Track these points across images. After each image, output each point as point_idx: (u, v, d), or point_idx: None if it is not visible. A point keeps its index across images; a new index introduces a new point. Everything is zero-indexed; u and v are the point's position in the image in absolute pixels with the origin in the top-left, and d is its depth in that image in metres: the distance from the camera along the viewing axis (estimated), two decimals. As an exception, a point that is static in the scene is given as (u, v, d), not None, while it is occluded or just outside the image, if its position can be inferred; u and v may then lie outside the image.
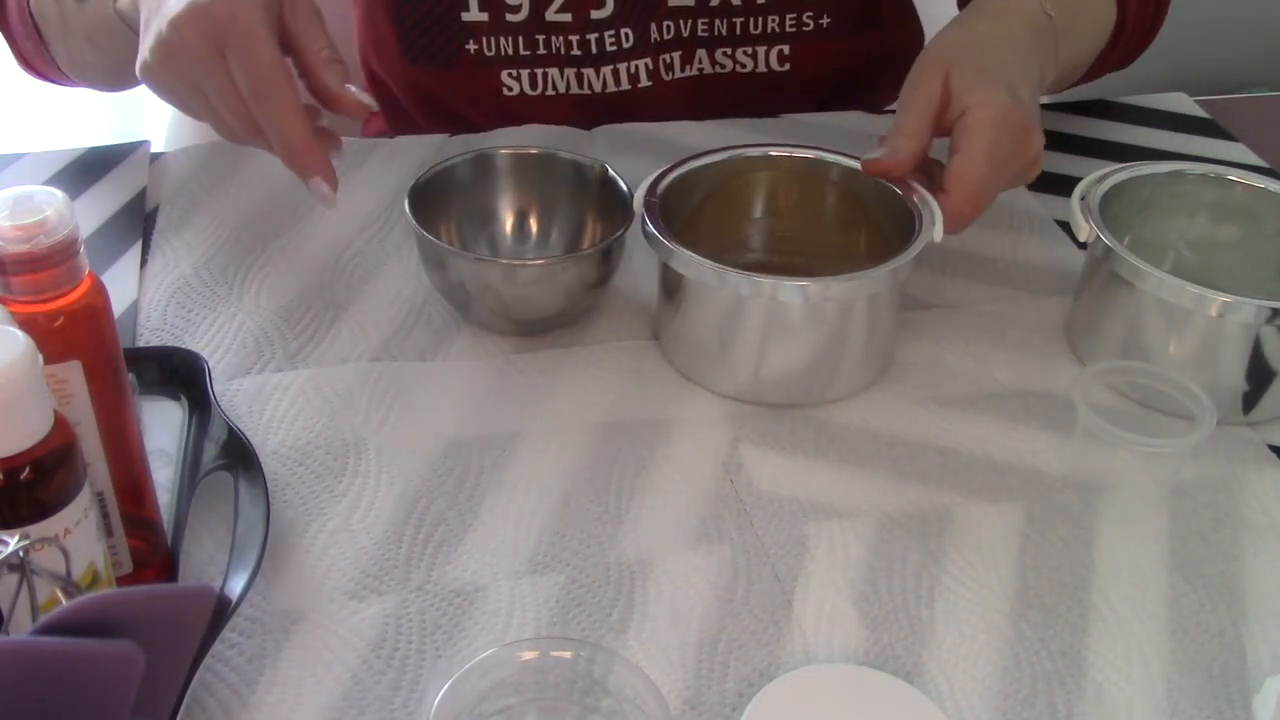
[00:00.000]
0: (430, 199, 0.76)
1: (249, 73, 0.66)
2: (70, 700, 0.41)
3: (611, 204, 0.77)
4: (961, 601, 0.62)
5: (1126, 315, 0.74)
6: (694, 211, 0.77)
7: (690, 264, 0.69)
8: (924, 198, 0.73)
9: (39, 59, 0.88)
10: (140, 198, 0.87)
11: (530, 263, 0.75)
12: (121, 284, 0.79)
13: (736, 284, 0.68)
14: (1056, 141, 1.01)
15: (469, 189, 0.80)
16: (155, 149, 0.92)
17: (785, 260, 0.81)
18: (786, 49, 1.00)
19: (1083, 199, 0.76)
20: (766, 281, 0.68)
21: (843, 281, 0.69)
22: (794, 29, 0.99)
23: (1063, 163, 0.98)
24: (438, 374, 0.73)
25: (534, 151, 0.81)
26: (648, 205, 0.73)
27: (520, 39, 0.95)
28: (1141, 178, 0.80)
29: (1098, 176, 0.78)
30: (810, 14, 0.98)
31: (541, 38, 0.95)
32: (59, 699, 0.41)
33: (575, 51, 0.95)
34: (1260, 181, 0.80)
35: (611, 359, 0.75)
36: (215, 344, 0.75)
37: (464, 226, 0.80)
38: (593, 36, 0.95)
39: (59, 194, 0.50)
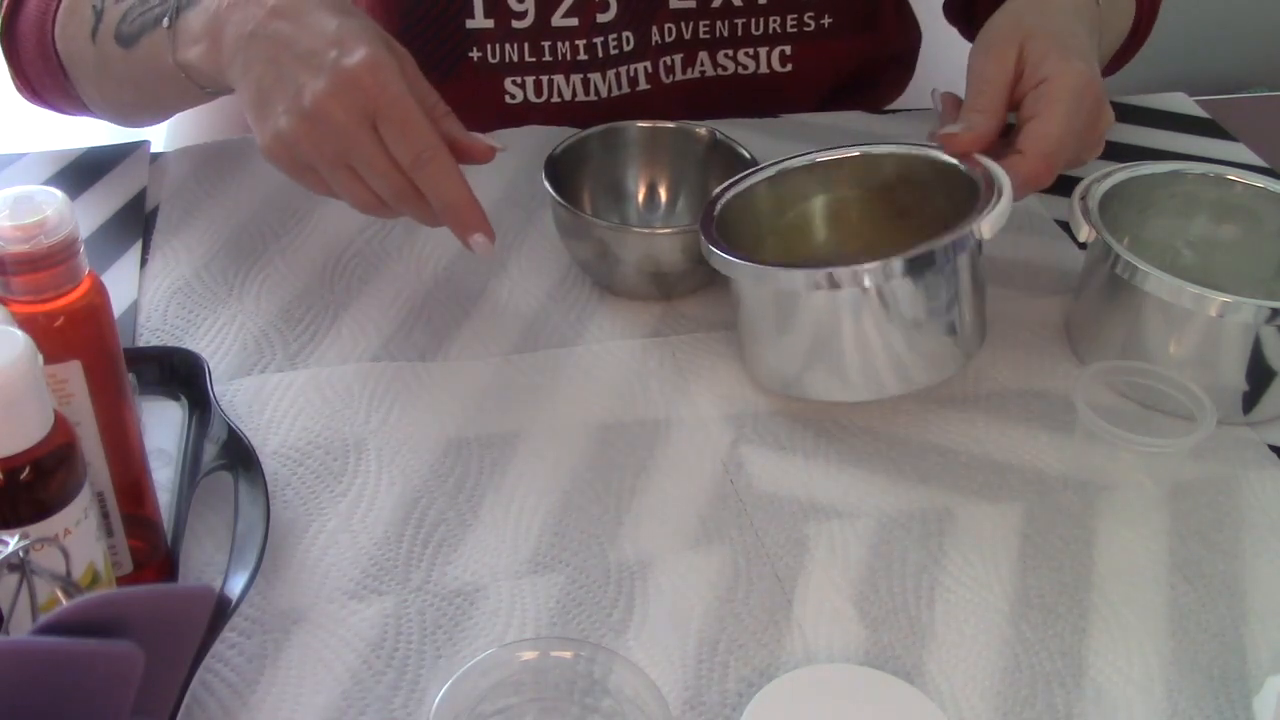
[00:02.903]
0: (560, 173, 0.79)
1: (408, 141, 0.65)
2: (70, 700, 0.41)
3: (735, 169, 0.80)
4: (961, 601, 0.62)
5: (1126, 315, 0.74)
6: (758, 232, 0.77)
7: (745, 267, 0.69)
8: (993, 172, 0.71)
9: (53, 91, 0.87)
10: (140, 198, 0.87)
11: (673, 230, 0.78)
12: (121, 284, 0.79)
13: (791, 281, 0.67)
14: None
15: (600, 161, 0.84)
16: (155, 149, 0.92)
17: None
18: (788, 49, 1.00)
19: (1083, 199, 0.76)
20: (820, 273, 0.66)
21: (900, 257, 0.65)
22: (795, 29, 0.99)
23: (1063, 163, 0.98)
24: (438, 374, 0.73)
25: (669, 126, 0.85)
26: (705, 221, 0.73)
27: (525, 45, 0.95)
28: (1141, 178, 0.80)
29: (1098, 176, 0.78)
30: (811, 14, 0.99)
31: (546, 44, 0.95)
32: (59, 699, 0.41)
33: (581, 56, 0.95)
34: (1260, 181, 0.80)
35: (611, 359, 0.75)
36: (215, 344, 0.75)
37: (596, 198, 0.84)
38: (598, 40, 0.95)
39: (59, 194, 0.50)
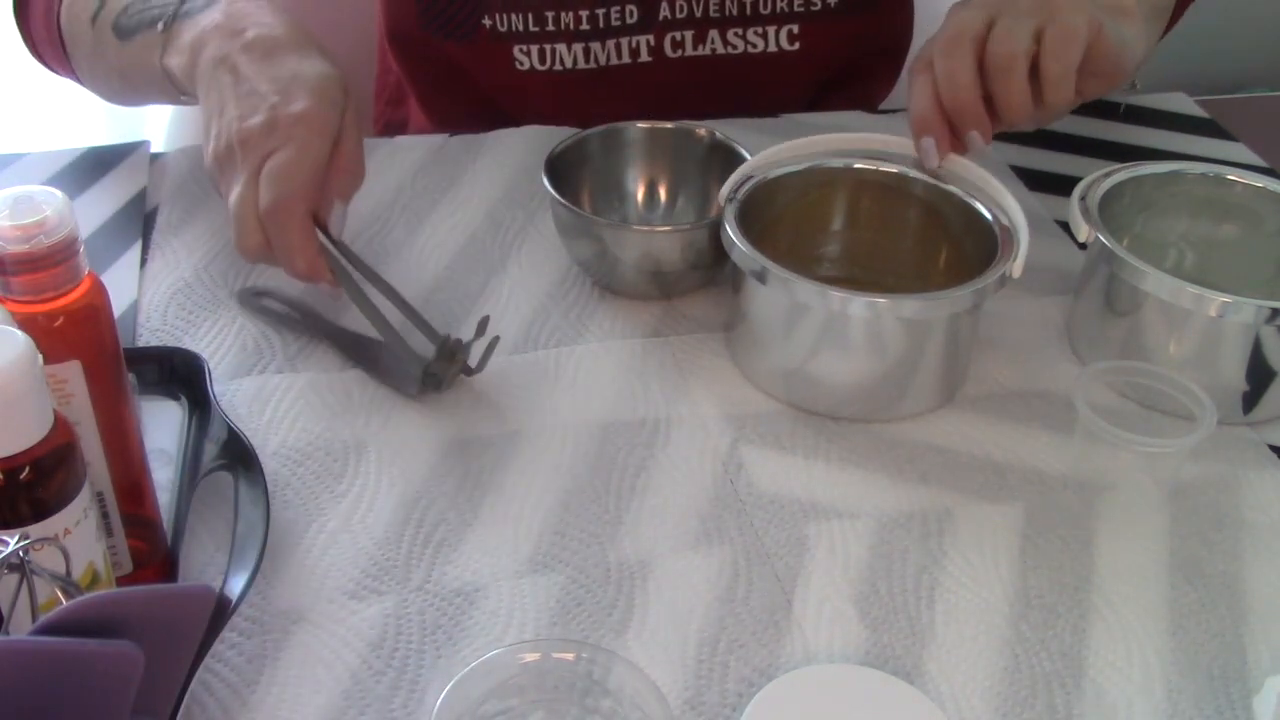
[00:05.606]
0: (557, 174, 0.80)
1: (272, 189, 0.68)
2: (70, 700, 0.41)
3: (734, 169, 0.80)
4: (961, 601, 0.62)
5: (1126, 315, 0.74)
6: (774, 218, 0.77)
7: (769, 271, 0.69)
8: (1014, 224, 0.73)
9: (58, 63, 0.90)
10: (140, 198, 0.87)
11: (676, 228, 0.78)
12: (121, 284, 0.78)
13: (810, 295, 0.68)
14: (1057, 142, 1.01)
15: (600, 161, 0.84)
16: (155, 149, 0.92)
17: (863, 274, 0.80)
18: (796, 28, 1.02)
19: (1083, 199, 0.76)
20: (836, 294, 0.68)
21: (916, 300, 0.68)
22: (803, 8, 1.01)
23: (1063, 163, 0.98)
24: (438, 374, 0.73)
25: (669, 126, 0.86)
26: (728, 208, 0.74)
27: (530, 15, 0.97)
28: (1141, 178, 0.80)
29: (1098, 176, 0.78)
30: None
31: (550, 13, 0.97)
32: (59, 699, 0.41)
33: (584, 26, 0.98)
34: (1260, 181, 0.80)
35: (611, 359, 0.75)
36: (215, 344, 0.75)
37: (596, 198, 0.85)
38: (600, 11, 0.97)
39: (59, 194, 0.50)
